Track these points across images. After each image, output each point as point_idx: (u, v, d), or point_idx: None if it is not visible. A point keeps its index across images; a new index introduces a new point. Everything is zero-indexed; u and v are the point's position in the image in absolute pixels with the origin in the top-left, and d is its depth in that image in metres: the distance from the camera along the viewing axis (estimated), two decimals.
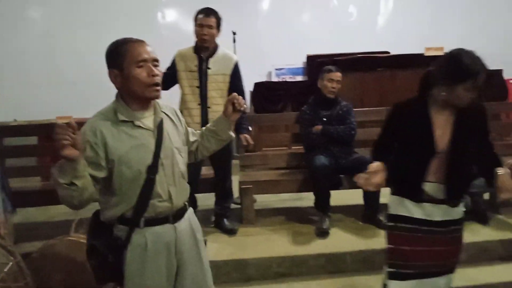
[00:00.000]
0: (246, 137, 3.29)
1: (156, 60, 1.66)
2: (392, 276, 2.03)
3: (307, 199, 3.87)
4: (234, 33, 5.23)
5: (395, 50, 5.42)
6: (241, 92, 3.15)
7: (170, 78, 3.19)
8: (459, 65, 1.78)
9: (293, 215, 3.71)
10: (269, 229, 3.40)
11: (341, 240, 3.14)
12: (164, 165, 1.69)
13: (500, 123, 4.52)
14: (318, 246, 3.06)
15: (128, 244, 1.67)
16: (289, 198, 4.12)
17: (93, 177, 1.55)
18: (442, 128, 1.92)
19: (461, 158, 1.90)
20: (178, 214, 1.77)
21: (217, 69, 3.18)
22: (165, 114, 1.78)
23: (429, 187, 1.94)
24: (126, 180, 1.63)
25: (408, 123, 1.95)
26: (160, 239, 1.70)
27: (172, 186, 1.72)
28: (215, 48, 3.22)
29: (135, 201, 1.64)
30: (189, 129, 1.94)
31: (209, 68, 3.19)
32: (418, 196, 1.96)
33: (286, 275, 2.90)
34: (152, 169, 1.65)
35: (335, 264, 2.94)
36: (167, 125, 1.75)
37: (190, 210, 1.87)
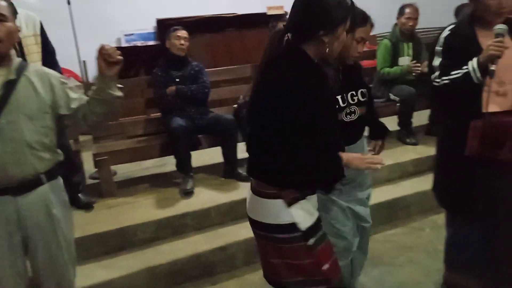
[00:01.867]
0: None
1: (1, 15, 1.57)
2: None
3: (170, 163, 3.86)
4: None
5: (242, 11, 5.57)
6: (54, 52, 2.89)
7: None
8: (338, 3, 1.44)
9: (157, 181, 3.67)
10: (131, 199, 3.31)
11: (204, 197, 3.22)
12: (4, 130, 1.58)
13: None
14: (183, 206, 3.10)
15: None
16: (152, 165, 4.06)
17: None
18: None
19: None
20: (23, 187, 1.66)
21: (26, 30, 2.66)
22: (27, 77, 1.65)
23: None
24: None
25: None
26: None
27: (8, 154, 1.60)
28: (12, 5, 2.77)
29: None
30: (75, 95, 1.78)
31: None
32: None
33: (152, 239, 2.89)
34: None
35: (200, 221, 3.01)
36: (22, 89, 1.63)
37: (52, 184, 1.76)
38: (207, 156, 3.77)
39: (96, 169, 3.42)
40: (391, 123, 4.10)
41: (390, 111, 4.02)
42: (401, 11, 4.00)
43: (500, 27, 1.81)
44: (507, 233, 1.95)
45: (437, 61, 1.95)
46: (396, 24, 4.07)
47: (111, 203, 3.23)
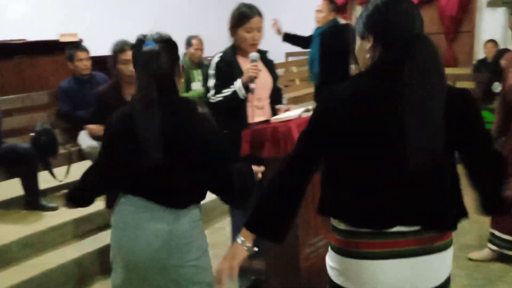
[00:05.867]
0: None
1: None
2: None
3: None
4: None
5: (32, 37, 5.34)
6: None
7: None
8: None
9: None
10: None
11: (5, 233, 3.02)
12: None
13: None
14: None
15: None
16: None
17: None
18: None
19: None
20: None
21: None
22: None
23: None
24: None
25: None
26: None
27: None
28: None
29: None
30: None
31: None
32: None
33: None
34: None
35: (1, 258, 2.83)
36: None
37: None
38: (4, 187, 3.51)
39: None
40: None
41: None
42: (188, 42, 4.52)
43: (254, 54, 2.38)
44: None
45: (211, 82, 2.43)
46: (185, 54, 4.57)
47: None
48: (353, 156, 1.25)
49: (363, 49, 1.29)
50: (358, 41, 1.32)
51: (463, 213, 1.28)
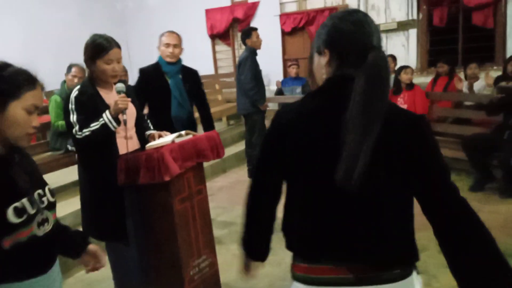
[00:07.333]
0: None
1: None
2: None
3: None
4: None
5: None
6: None
7: None
8: None
9: None
10: None
11: None
12: None
13: None
14: None
15: None
16: None
17: None
18: None
19: None
20: None
21: None
22: None
23: None
24: None
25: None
26: None
27: None
28: None
29: None
30: None
31: None
32: None
33: None
34: None
35: None
36: None
37: None
38: None
39: None
40: (71, 173, 4.31)
41: (70, 162, 4.25)
42: (68, 69, 4.36)
43: (120, 85, 2.37)
44: (152, 242, 2.48)
45: (73, 118, 2.31)
46: (64, 81, 4.40)
47: None
48: (297, 176, 1.23)
49: (320, 66, 1.27)
50: (316, 58, 1.29)
51: (414, 256, 1.19)
